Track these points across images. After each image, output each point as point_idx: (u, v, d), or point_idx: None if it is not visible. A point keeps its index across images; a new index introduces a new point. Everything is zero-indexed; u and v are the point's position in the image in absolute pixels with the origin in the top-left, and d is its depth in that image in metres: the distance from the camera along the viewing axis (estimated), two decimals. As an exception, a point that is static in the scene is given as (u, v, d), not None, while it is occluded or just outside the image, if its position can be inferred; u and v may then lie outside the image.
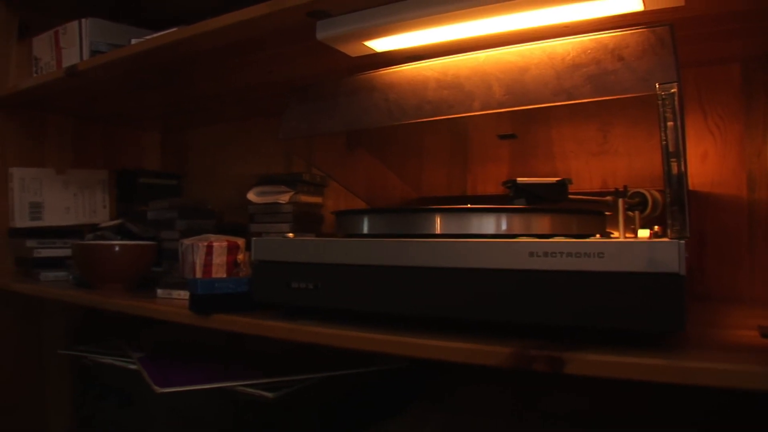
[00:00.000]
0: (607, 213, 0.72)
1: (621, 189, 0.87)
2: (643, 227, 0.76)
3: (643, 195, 0.75)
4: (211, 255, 0.81)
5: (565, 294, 0.50)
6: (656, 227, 0.68)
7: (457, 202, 1.00)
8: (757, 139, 0.80)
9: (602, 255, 0.49)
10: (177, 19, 1.10)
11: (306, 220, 1.04)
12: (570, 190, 0.91)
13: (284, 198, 1.01)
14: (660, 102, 0.49)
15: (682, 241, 0.47)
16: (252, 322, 0.66)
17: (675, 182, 0.49)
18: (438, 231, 0.60)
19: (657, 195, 0.75)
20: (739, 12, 0.65)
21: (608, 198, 0.71)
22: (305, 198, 1.04)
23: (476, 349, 0.52)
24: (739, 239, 0.81)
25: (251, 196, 1.03)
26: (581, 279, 0.49)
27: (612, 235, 0.71)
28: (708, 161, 0.83)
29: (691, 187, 0.84)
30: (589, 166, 0.89)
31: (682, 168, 0.49)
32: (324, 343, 0.61)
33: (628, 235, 0.62)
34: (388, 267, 0.58)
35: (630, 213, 0.74)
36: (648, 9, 0.59)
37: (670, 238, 0.48)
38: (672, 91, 0.49)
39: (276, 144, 1.24)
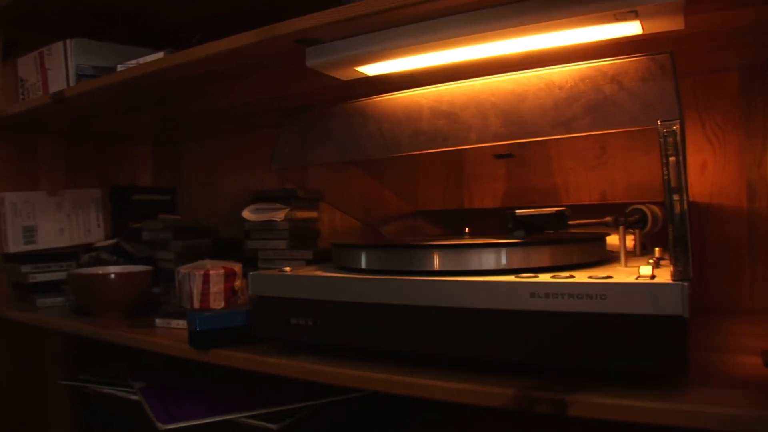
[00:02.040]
0: (607, 231, 0.71)
1: (620, 202, 0.87)
2: (643, 244, 0.75)
3: (642, 212, 0.74)
4: (209, 283, 0.80)
5: (567, 335, 0.49)
6: (657, 250, 0.68)
7: (454, 216, 0.99)
8: (757, 148, 0.79)
9: (604, 297, 0.49)
10: (166, 32, 1.08)
11: (302, 236, 1.03)
12: (568, 203, 0.91)
13: (279, 215, 1.00)
14: (662, 139, 0.48)
15: (686, 284, 0.46)
16: (252, 359, 0.65)
17: (678, 221, 0.48)
18: (437, 267, 0.59)
19: (656, 210, 0.74)
20: (738, 27, 0.64)
21: (608, 219, 0.70)
22: (301, 214, 1.03)
23: (479, 391, 0.52)
24: (739, 250, 0.80)
25: (246, 214, 1.02)
26: (583, 320, 0.49)
27: (614, 261, 0.70)
28: (707, 171, 0.82)
29: (690, 198, 0.83)
30: (588, 178, 0.89)
31: (685, 206, 0.48)
32: (325, 381, 0.60)
33: (630, 264, 0.61)
34: (388, 305, 0.57)
35: (630, 231, 0.73)
36: (647, 33, 0.58)
37: (673, 280, 0.47)
38: (674, 128, 0.48)
39: (269, 157, 1.22)
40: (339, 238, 1.09)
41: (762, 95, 0.78)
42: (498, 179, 0.94)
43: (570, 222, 0.66)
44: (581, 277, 0.52)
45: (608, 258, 0.67)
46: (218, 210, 1.30)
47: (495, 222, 0.94)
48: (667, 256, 0.64)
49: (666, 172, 0.49)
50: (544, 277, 0.53)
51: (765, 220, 0.78)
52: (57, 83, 0.96)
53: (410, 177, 0.93)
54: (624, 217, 0.71)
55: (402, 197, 0.97)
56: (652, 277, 0.50)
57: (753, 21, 0.61)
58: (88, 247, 1.13)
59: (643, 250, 0.74)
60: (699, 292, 0.82)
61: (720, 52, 0.73)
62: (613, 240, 0.73)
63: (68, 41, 0.95)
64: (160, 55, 0.80)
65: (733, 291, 0.80)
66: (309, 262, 1.00)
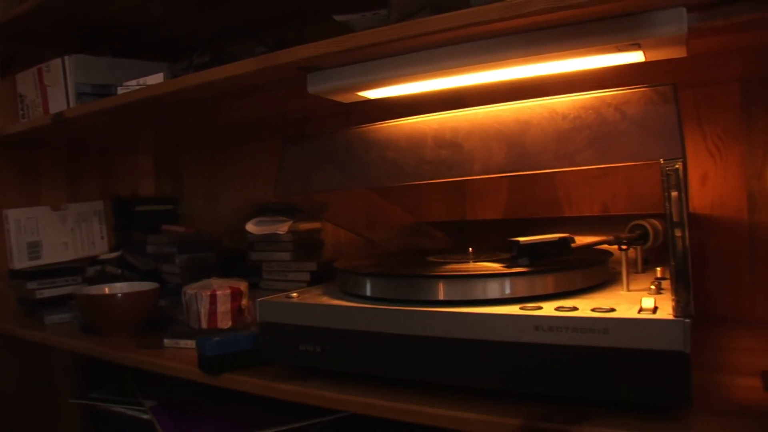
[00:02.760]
0: (610, 246, 0.72)
1: (621, 214, 0.87)
2: (645, 259, 0.76)
3: (644, 227, 0.75)
4: (215, 304, 0.81)
5: (570, 367, 0.50)
6: (658, 270, 0.69)
7: (456, 227, 1.00)
8: (758, 160, 0.79)
9: (607, 331, 0.49)
10: (163, 43, 1.08)
11: (306, 247, 1.04)
12: (570, 215, 0.92)
13: (283, 228, 1.00)
14: (664, 177, 0.49)
15: (687, 320, 0.47)
16: (262, 384, 0.66)
17: (680, 257, 0.49)
18: (443, 297, 0.59)
19: (657, 224, 0.75)
20: (739, 48, 0.64)
21: (610, 237, 0.71)
22: (304, 226, 1.03)
23: (487, 421, 0.53)
24: (740, 261, 0.81)
25: (250, 227, 1.03)
26: (586, 354, 0.50)
27: (617, 281, 0.70)
28: (708, 183, 0.83)
29: (691, 210, 0.84)
30: (590, 189, 0.89)
31: (687, 242, 0.49)
32: (334, 408, 0.62)
33: (632, 286, 0.62)
34: (396, 335, 0.58)
35: (632, 249, 0.74)
36: (649, 60, 0.58)
37: (675, 316, 0.48)
38: (677, 167, 0.48)
39: (271, 166, 1.22)
40: (343, 253, 1.10)
41: (763, 106, 0.79)
42: (500, 192, 0.95)
43: (573, 245, 0.67)
44: (585, 308, 0.53)
45: (611, 278, 0.68)
46: (220, 219, 1.30)
47: (497, 234, 0.95)
48: (668, 276, 0.65)
49: (668, 205, 0.50)
50: (549, 309, 0.53)
51: (765, 231, 0.79)
52: (57, 101, 0.95)
53: (413, 189, 0.93)
54: (626, 238, 0.72)
55: (405, 209, 0.98)
56: (655, 309, 0.51)
57: (754, 43, 0.61)
58: (92, 260, 1.14)
59: (645, 266, 0.75)
60: (700, 302, 0.82)
61: (721, 67, 0.74)
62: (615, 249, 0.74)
63: (66, 58, 0.94)
64: (159, 77, 0.80)
65: (733, 302, 0.81)
66: (313, 274, 1.01)
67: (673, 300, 0.49)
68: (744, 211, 0.80)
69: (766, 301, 0.79)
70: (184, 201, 1.38)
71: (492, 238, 0.95)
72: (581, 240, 0.87)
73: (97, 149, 1.24)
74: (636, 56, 0.57)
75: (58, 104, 0.95)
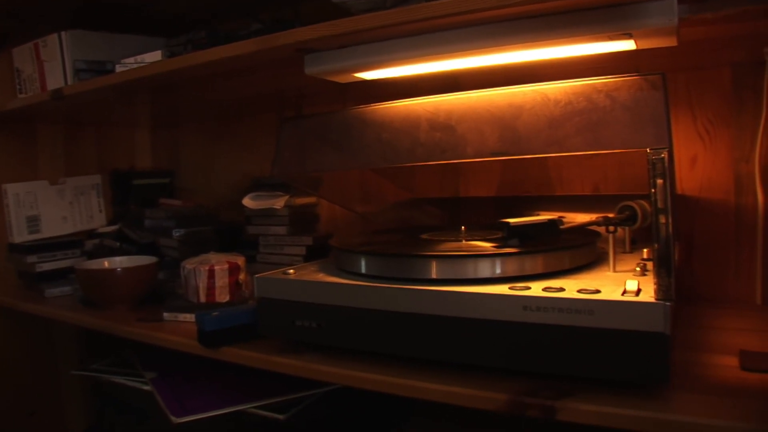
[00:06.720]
0: (598, 227, 0.74)
1: (612, 194, 0.89)
2: (633, 240, 0.78)
3: (632, 208, 0.77)
4: (214, 278, 0.83)
5: (556, 346, 0.53)
6: (645, 252, 0.71)
7: (449, 204, 1.01)
8: (746, 144, 0.81)
9: (592, 312, 0.52)
10: (161, 20, 1.07)
11: (302, 222, 1.06)
12: (561, 194, 0.93)
13: (279, 203, 1.02)
14: (650, 165, 0.50)
15: (668, 303, 0.49)
16: (261, 358, 0.69)
17: (663, 243, 0.51)
18: (435, 276, 0.61)
19: (646, 205, 0.77)
20: (729, 37, 0.65)
21: (599, 218, 0.73)
22: (300, 200, 1.05)
23: (476, 395, 0.55)
24: (726, 242, 0.83)
25: (247, 201, 1.04)
26: (572, 333, 0.52)
27: (604, 261, 0.72)
28: (697, 165, 0.84)
29: (680, 191, 0.86)
30: (581, 170, 0.91)
31: (670, 229, 0.51)
32: (330, 381, 0.64)
33: (619, 267, 0.64)
34: (389, 312, 0.60)
35: (621, 229, 0.76)
36: (640, 48, 0.59)
37: (656, 299, 0.50)
38: (662, 156, 0.50)
39: (267, 140, 1.23)
40: (339, 227, 1.12)
41: (753, 91, 0.79)
42: (493, 170, 0.96)
43: (562, 227, 0.68)
44: (571, 289, 0.55)
45: (599, 258, 0.70)
46: (217, 192, 1.31)
47: (489, 211, 0.97)
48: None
49: (653, 192, 0.52)
50: (537, 289, 0.56)
51: (751, 214, 0.81)
52: (54, 76, 0.95)
53: (408, 166, 0.95)
54: (614, 219, 0.73)
55: (399, 185, 0.99)
56: (638, 291, 0.53)
57: (744, 32, 0.62)
58: (90, 233, 1.15)
59: (632, 245, 0.77)
60: (685, 281, 0.85)
61: (712, 53, 0.74)
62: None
63: (63, 33, 0.94)
64: (157, 54, 0.80)
65: (718, 281, 0.83)
66: (309, 248, 1.03)
67: (655, 283, 0.51)
68: (731, 193, 0.82)
69: (749, 281, 0.81)
70: (180, 174, 1.38)
71: (484, 216, 0.97)
72: (571, 218, 0.90)
73: (94, 123, 1.25)
74: (627, 44, 0.58)
75: (55, 80, 0.95)
